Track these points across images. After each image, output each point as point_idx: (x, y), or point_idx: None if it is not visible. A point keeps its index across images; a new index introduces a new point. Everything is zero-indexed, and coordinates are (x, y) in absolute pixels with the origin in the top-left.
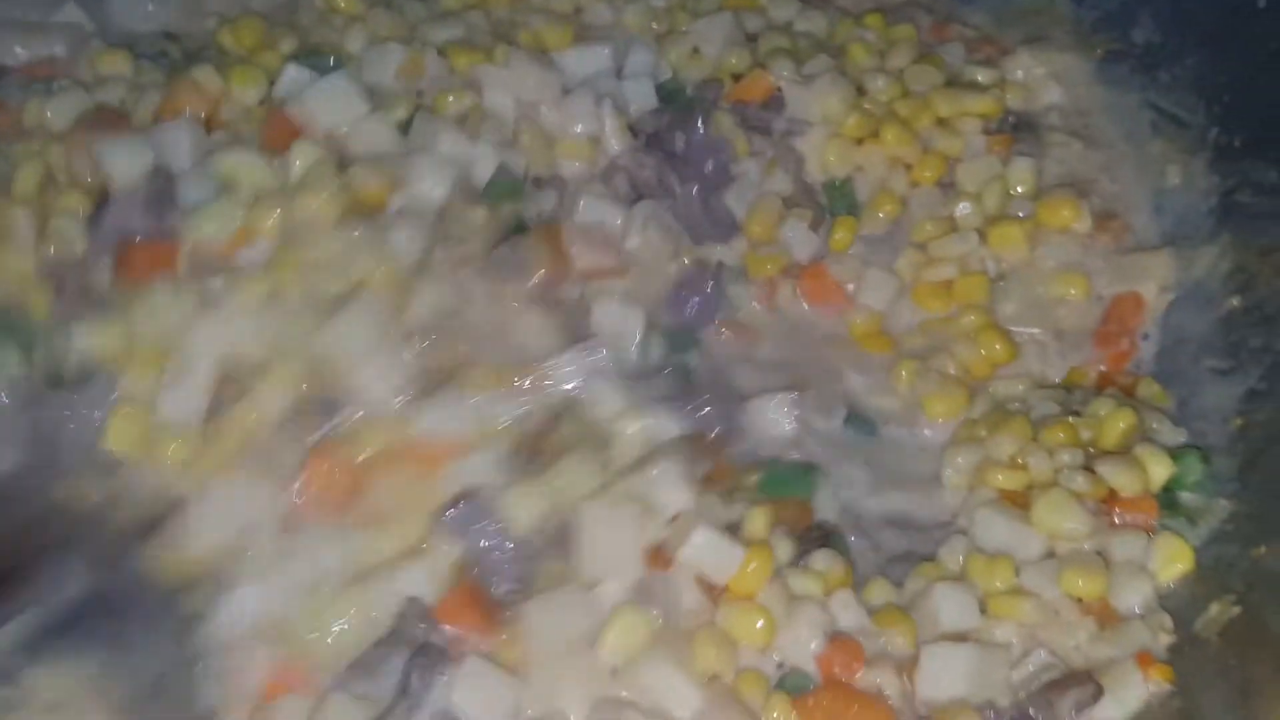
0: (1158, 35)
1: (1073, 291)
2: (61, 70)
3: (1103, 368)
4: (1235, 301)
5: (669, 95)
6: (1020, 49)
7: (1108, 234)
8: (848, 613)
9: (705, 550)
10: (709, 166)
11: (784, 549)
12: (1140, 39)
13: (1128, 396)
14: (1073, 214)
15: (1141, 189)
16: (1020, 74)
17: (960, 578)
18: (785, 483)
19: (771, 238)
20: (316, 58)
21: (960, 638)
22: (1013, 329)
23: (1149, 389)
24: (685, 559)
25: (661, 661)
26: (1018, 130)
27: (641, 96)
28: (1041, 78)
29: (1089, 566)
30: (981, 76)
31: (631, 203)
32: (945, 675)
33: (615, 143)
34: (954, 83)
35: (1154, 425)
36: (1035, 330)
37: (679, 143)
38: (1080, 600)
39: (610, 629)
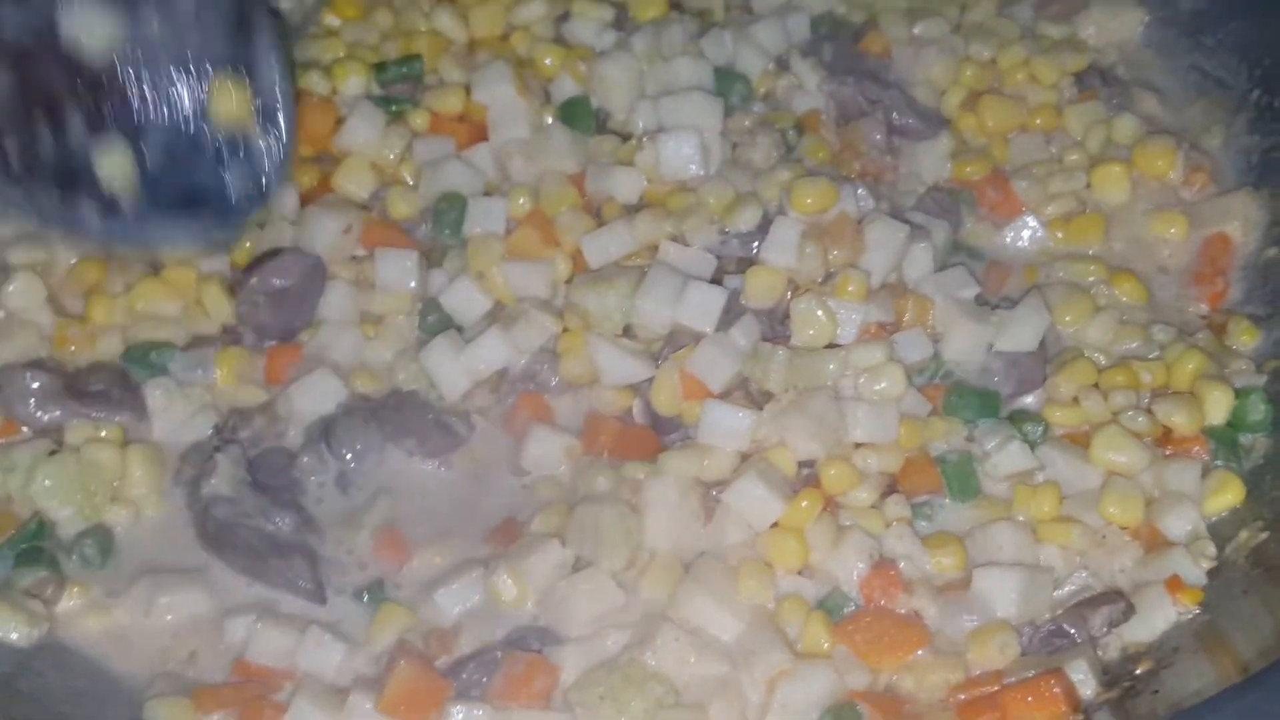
0: (1203, 2)
1: (1173, 230)
2: None
3: (1204, 305)
4: (1273, 252)
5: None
6: (1091, 5)
7: (1196, 179)
8: (900, 541)
9: (746, 498)
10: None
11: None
12: (1186, 5)
13: (1220, 334)
14: (1168, 162)
15: (1213, 139)
16: (1092, 29)
17: (1012, 507)
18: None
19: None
20: None
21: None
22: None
23: (1238, 326)
24: (728, 501)
25: (698, 593)
26: (1106, 83)
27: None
28: (1111, 33)
29: (1127, 493)
30: (1055, 33)
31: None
32: (996, 598)
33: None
34: (1029, 37)
35: (1236, 365)
36: (1142, 268)
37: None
38: (1125, 527)
39: (646, 573)
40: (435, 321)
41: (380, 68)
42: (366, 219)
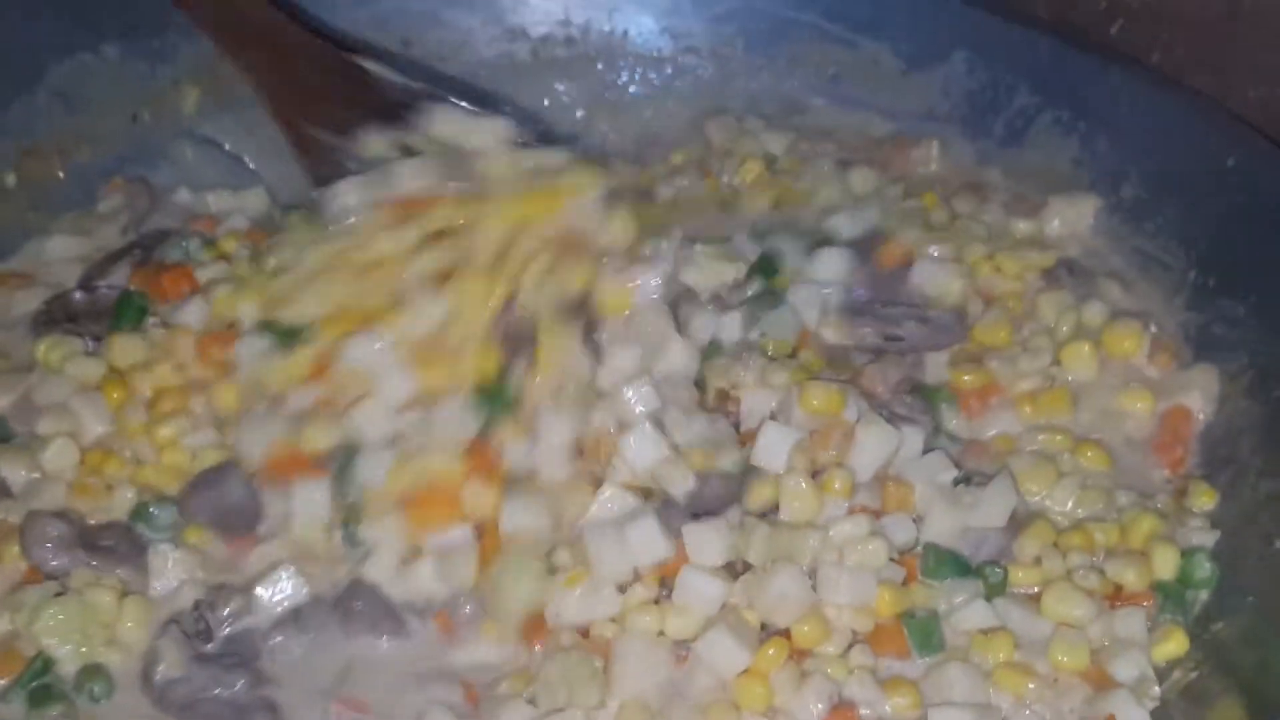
0: (1144, 191)
1: (1139, 405)
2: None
3: (1166, 472)
4: (1223, 420)
5: None
6: (1051, 200)
7: (1159, 358)
8: (862, 688)
9: (716, 649)
10: None
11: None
12: (1129, 193)
13: (1181, 497)
14: (1135, 344)
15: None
16: (1056, 222)
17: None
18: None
19: None
20: None
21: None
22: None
23: (1197, 489)
24: (698, 651)
25: None
26: (1072, 273)
27: None
28: (1071, 224)
29: (1074, 643)
30: (1023, 229)
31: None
32: None
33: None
34: (1000, 236)
35: (1193, 525)
36: (1108, 438)
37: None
38: (1073, 672)
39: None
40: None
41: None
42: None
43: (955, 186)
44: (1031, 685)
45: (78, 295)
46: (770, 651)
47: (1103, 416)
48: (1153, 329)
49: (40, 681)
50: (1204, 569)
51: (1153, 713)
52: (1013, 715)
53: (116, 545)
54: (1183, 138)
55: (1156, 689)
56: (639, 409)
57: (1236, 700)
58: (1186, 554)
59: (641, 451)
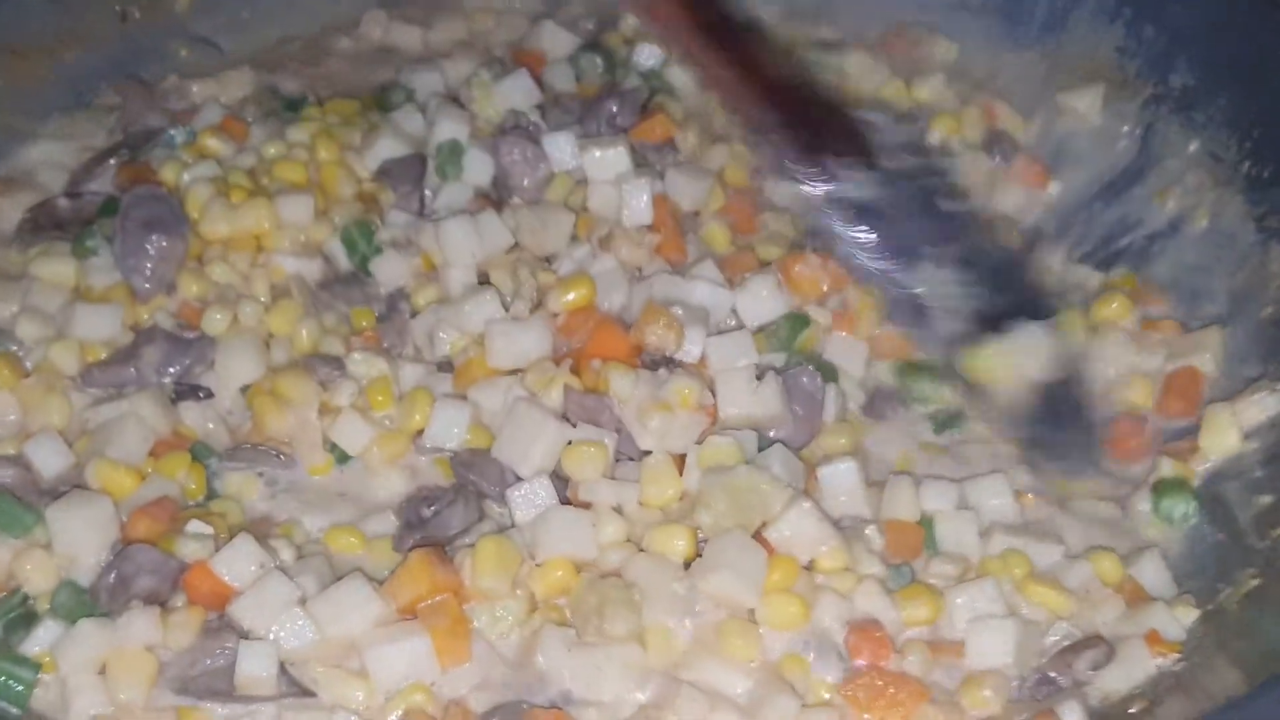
0: (1194, 80)
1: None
2: None
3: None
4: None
5: None
6: None
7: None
8: (869, 598)
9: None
10: None
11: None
12: (1177, 83)
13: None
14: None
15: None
16: None
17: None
18: None
19: None
20: None
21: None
22: None
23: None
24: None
25: (705, 656)
26: None
27: None
28: None
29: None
30: None
31: None
32: (994, 648)
33: None
34: None
35: None
36: None
37: None
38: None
39: (648, 641)
40: None
41: None
42: None
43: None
44: (1060, 597)
45: (63, 201)
46: (776, 575)
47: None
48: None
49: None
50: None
51: (1206, 614)
52: (1047, 626)
53: None
54: (1236, 21)
55: (1192, 601)
56: None
57: None
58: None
59: None
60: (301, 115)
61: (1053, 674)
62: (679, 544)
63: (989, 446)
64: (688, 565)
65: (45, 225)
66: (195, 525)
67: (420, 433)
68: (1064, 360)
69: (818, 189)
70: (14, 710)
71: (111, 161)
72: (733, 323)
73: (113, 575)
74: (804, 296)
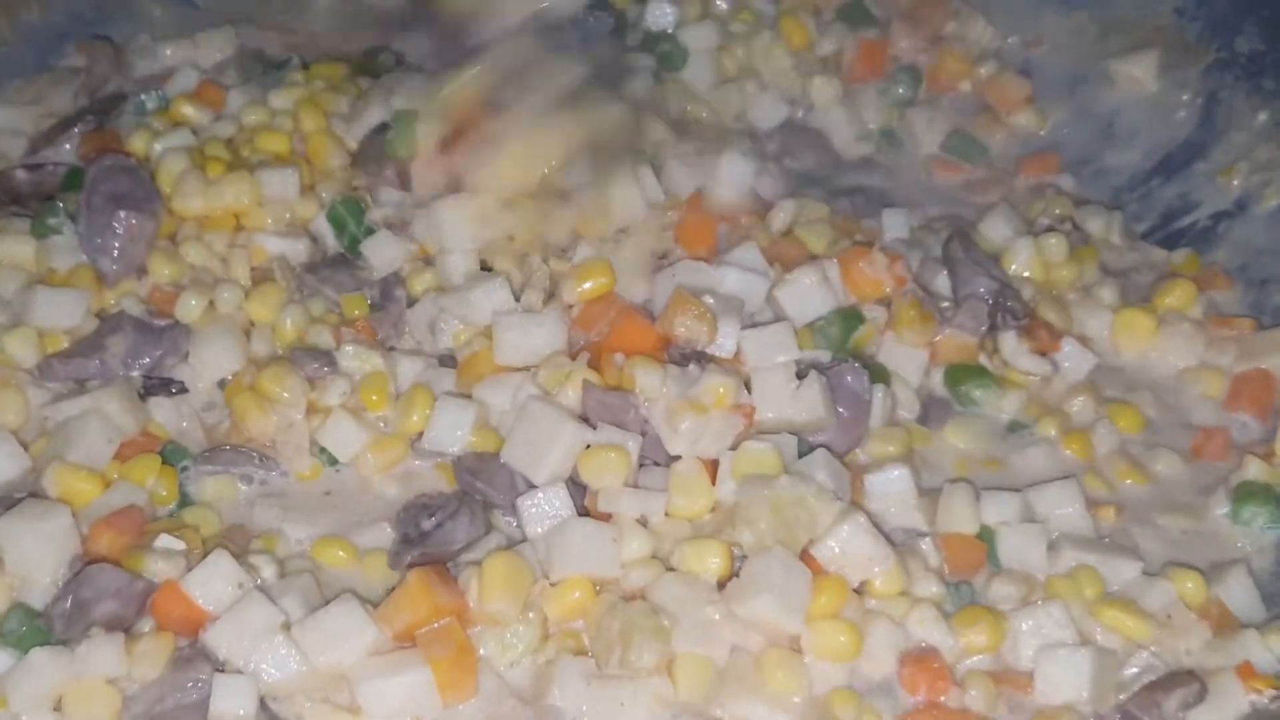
0: (1262, 44)
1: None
2: None
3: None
4: None
5: None
6: None
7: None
8: (922, 626)
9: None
10: None
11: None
12: (1244, 47)
13: None
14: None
15: None
16: None
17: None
18: None
19: None
20: None
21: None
22: None
23: None
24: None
25: (742, 692)
26: None
27: None
28: None
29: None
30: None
31: None
32: (1067, 681)
33: None
34: None
35: None
36: None
37: None
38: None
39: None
40: None
41: None
42: None
43: None
44: (1139, 623)
45: (21, 173)
46: (823, 599)
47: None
48: None
49: None
50: None
51: None
52: (1125, 655)
53: None
54: None
55: None
56: None
57: None
58: None
59: None
60: (285, 80)
61: (1138, 714)
62: (713, 562)
63: (1055, 451)
64: (722, 586)
65: (1, 200)
66: (165, 540)
67: (419, 435)
68: None
69: None
70: None
71: (75, 129)
72: (768, 316)
73: (69, 600)
74: (861, 296)
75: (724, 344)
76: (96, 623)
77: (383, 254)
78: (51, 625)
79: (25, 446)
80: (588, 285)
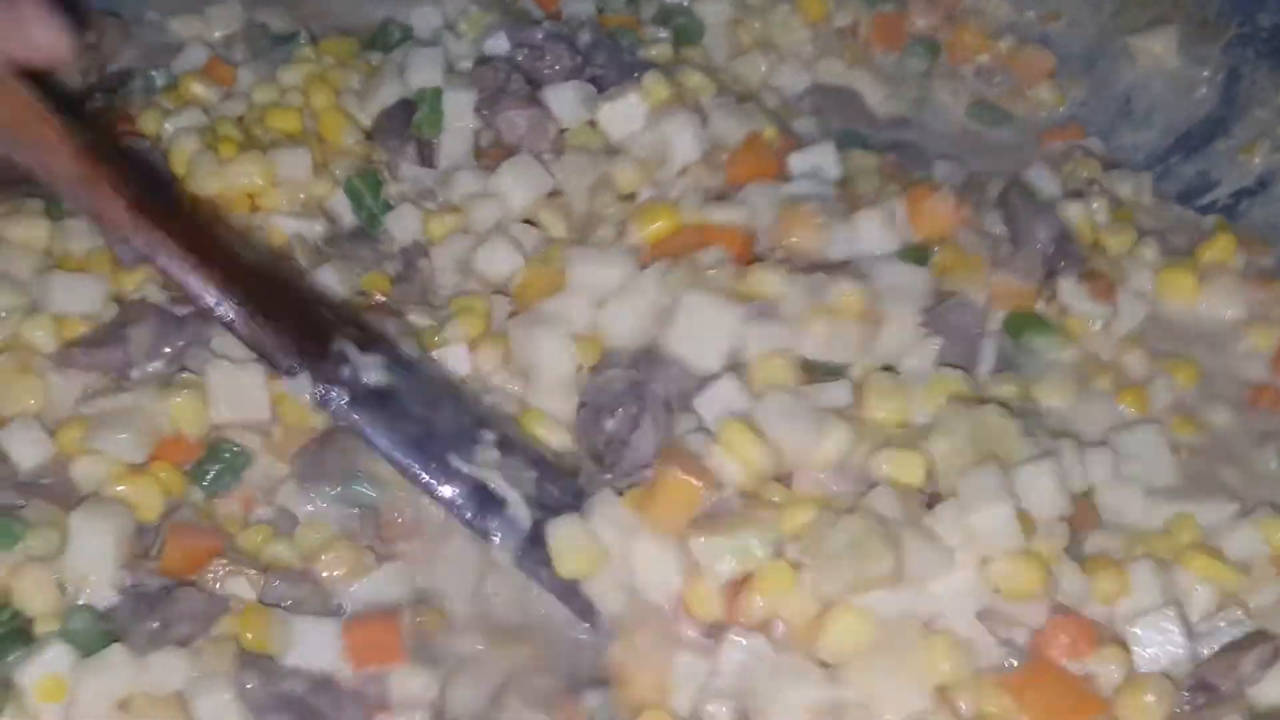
0: None
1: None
2: None
3: None
4: None
5: None
6: None
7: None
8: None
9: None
10: None
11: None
12: (1268, 22)
13: None
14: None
15: None
16: None
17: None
18: None
19: None
20: None
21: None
22: None
23: None
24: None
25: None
26: None
27: None
28: None
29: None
30: None
31: None
32: (1165, 646)
33: None
34: None
35: None
36: None
37: None
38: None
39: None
40: None
41: None
42: None
43: None
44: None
45: None
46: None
47: None
48: None
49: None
50: None
51: None
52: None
53: None
54: None
55: None
56: None
57: None
58: None
59: None
60: (294, 55)
61: (1212, 679)
62: (919, 471)
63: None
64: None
65: (10, 179)
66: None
67: None
68: None
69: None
70: None
71: (85, 107)
72: None
73: (158, 621)
74: (926, 234)
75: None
76: (171, 641)
77: (405, 226)
78: (127, 635)
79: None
80: (656, 225)
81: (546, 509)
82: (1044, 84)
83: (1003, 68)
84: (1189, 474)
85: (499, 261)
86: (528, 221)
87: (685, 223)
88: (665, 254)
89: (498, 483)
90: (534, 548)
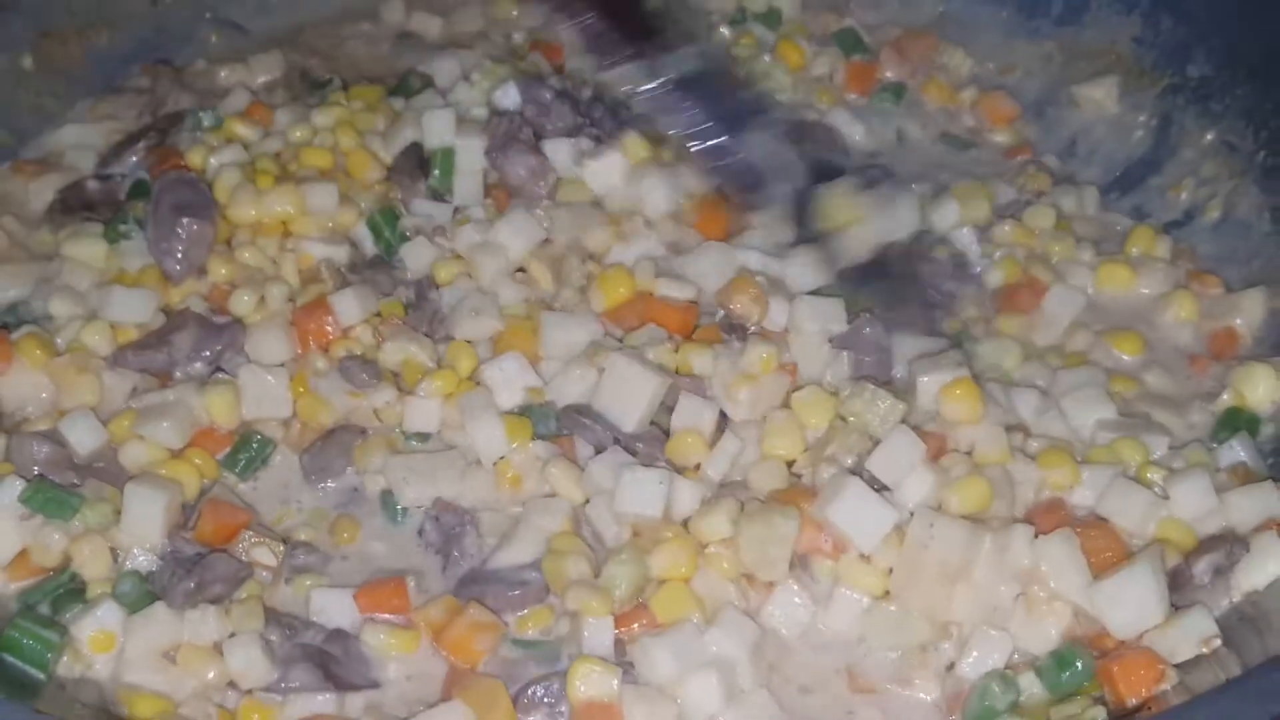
0: (1211, 71)
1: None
2: None
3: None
4: None
5: None
6: None
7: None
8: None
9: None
10: None
11: None
12: (1194, 73)
13: None
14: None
15: None
16: None
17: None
18: None
19: None
20: None
21: None
22: None
23: None
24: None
25: None
26: None
27: None
28: None
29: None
30: None
31: None
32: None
33: None
34: None
35: None
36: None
37: None
38: None
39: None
40: None
41: None
42: None
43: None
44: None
45: (93, 183)
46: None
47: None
48: None
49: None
50: None
51: None
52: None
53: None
54: (1253, 12)
55: None
56: None
57: None
58: None
59: None
60: (327, 99)
61: (1192, 572)
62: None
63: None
64: None
65: (75, 206)
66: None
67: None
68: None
69: (643, 66)
70: (38, 674)
71: (140, 144)
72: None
73: (194, 581)
74: None
75: (775, 320)
76: (205, 599)
77: (418, 258)
78: (167, 594)
79: (103, 424)
80: (618, 293)
81: None
82: (1005, 130)
83: (969, 110)
84: (1124, 414)
85: (482, 327)
86: (520, 270)
87: (640, 289)
88: (620, 319)
89: None
90: None
